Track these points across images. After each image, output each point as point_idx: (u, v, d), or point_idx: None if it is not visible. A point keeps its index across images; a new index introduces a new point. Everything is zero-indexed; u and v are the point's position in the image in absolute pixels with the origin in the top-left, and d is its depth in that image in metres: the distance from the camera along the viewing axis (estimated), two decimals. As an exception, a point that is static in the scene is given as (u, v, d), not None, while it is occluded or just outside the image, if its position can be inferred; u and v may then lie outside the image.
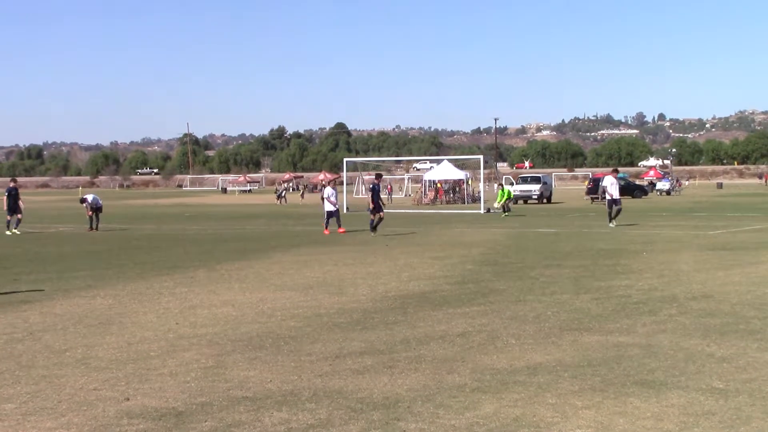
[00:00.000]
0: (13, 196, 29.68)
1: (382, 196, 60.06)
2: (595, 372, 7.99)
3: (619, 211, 28.95)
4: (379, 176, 30.73)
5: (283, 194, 67.35)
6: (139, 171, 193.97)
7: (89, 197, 31.88)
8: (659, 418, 6.53)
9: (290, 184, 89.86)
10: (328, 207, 28.47)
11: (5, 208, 30.00)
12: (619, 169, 66.78)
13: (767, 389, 7.33)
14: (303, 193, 71.01)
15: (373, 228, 26.15)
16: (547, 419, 6.53)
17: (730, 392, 7.23)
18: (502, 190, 42.28)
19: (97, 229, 30.37)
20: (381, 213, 26.30)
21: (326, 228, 28.10)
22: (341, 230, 27.96)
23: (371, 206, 26.86)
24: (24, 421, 6.72)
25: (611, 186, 29.26)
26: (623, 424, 6.39)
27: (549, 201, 58.58)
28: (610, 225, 28.24)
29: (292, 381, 7.85)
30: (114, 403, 7.20)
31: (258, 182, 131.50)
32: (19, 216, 29.62)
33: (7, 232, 28.97)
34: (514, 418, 6.56)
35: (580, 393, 7.26)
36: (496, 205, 42.84)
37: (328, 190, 28.97)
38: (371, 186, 29.17)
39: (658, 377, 7.77)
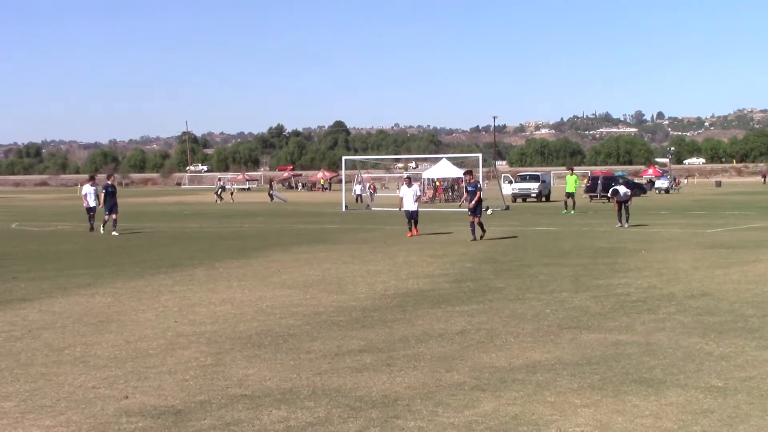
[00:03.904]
0: (110, 193, 28.36)
1: (363, 195, 59.16)
2: (593, 370, 7.99)
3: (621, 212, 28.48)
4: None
5: (219, 192, 67.35)
6: None
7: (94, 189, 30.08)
8: (658, 416, 6.54)
9: (227, 183, 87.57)
10: (410, 206, 25.80)
11: (101, 205, 28.62)
12: (619, 167, 66.19)
13: (766, 387, 7.34)
14: (233, 192, 71.34)
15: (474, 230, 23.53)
16: (546, 417, 6.53)
17: (728, 390, 7.24)
18: (573, 177, 40.15)
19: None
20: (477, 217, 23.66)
21: (412, 229, 25.57)
22: (410, 233, 25.40)
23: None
24: (23, 419, 6.72)
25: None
26: (622, 422, 6.40)
27: (548, 199, 58.56)
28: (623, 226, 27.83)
29: (291, 379, 7.86)
30: (113, 401, 7.20)
31: (257, 180, 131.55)
32: (114, 216, 27.92)
33: (102, 231, 27.67)
34: (512, 416, 6.56)
35: (579, 391, 7.26)
36: (571, 192, 40.03)
37: (403, 189, 26.63)
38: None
39: (657, 375, 7.78)
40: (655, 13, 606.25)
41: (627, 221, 28.05)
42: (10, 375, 8.20)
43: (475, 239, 23.05)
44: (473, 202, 23.64)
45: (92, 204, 29.71)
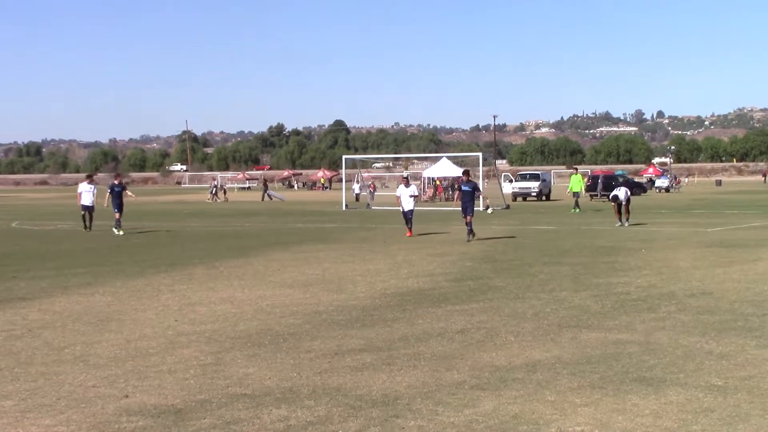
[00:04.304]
0: (117, 193, 27.84)
1: (362, 194, 58.74)
2: (593, 369, 7.99)
3: (621, 210, 28.56)
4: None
5: (214, 192, 67.42)
6: None
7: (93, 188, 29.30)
8: (658, 415, 6.54)
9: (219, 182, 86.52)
10: (407, 206, 25.51)
11: (106, 204, 28.14)
12: (619, 167, 66.16)
13: (766, 386, 7.33)
14: (225, 191, 71.35)
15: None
16: (546, 416, 6.53)
17: (728, 389, 7.24)
18: (577, 176, 40.72)
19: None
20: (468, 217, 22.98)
21: (412, 228, 25.28)
22: (410, 232, 25.11)
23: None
24: (23, 418, 6.72)
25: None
26: (622, 421, 6.39)
27: (548, 198, 58.57)
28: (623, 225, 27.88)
29: (291, 378, 7.86)
30: (113, 400, 7.20)
31: (257, 180, 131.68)
32: (117, 215, 27.46)
33: (119, 232, 27.05)
34: (512, 416, 6.56)
35: (579, 390, 7.26)
36: (569, 192, 40.50)
37: (400, 189, 26.17)
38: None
39: (657, 374, 7.78)
40: (655, 13, 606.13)
41: (627, 220, 28.10)
42: (10, 374, 8.20)
43: (471, 238, 22.70)
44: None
45: (86, 203, 28.85)
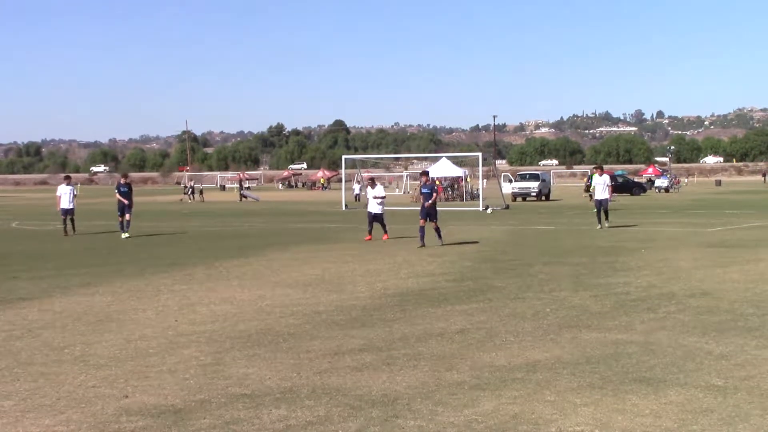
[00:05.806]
0: (124, 193, 26.79)
1: (362, 194, 58.30)
2: (593, 369, 7.99)
3: (600, 212, 27.33)
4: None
5: (189, 192, 67.49)
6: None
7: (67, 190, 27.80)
8: (658, 415, 6.54)
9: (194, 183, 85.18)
10: (373, 209, 24.03)
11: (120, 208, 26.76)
12: (619, 167, 65.81)
13: (766, 386, 7.34)
14: (202, 192, 70.93)
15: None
16: (546, 416, 6.53)
17: (728, 389, 7.24)
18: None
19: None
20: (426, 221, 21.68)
21: (371, 232, 23.97)
22: (385, 236, 23.82)
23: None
24: (23, 418, 6.73)
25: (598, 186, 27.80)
26: (622, 421, 6.40)
27: (548, 198, 58.57)
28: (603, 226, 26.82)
29: (290, 378, 7.86)
30: (113, 400, 7.20)
31: (257, 180, 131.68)
32: (128, 217, 26.35)
33: (125, 235, 26.02)
34: (512, 416, 6.56)
35: (579, 390, 7.26)
36: (584, 195, 40.59)
37: (376, 189, 24.54)
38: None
39: (657, 374, 7.78)
40: (655, 12, 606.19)
41: (606, 221, 27.16)
42: (10, 374, 8.20)
43: (423, 246, 20.95)
44: (429, 202, 21.75)
45: (65, 206, 27.55)
